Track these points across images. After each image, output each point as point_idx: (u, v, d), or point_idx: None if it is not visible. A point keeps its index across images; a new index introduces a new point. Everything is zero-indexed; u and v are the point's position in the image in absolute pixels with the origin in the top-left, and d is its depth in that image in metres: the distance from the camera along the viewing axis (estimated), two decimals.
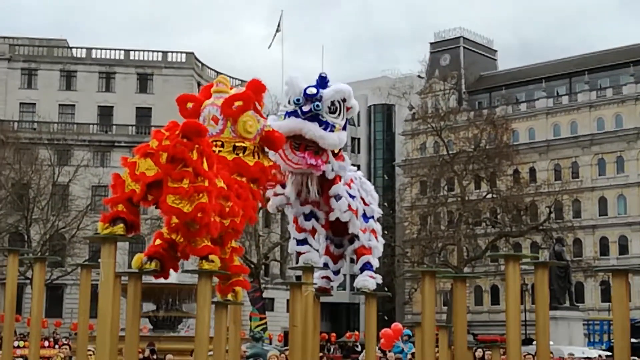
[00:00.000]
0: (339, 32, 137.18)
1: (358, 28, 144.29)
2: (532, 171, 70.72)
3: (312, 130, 9.68)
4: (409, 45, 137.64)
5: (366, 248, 10.82)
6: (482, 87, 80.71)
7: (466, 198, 57.31)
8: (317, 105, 9.70)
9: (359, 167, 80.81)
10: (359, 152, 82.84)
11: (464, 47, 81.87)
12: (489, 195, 58.32)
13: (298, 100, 9.77)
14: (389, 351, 23.12)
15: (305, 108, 9.67)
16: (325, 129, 9.73)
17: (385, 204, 73.62)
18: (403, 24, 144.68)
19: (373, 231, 11.20)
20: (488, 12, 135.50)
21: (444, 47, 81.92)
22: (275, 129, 9.58)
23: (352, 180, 10.99)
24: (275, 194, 10.21)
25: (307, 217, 10.29)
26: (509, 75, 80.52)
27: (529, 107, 75.11)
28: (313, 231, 10.33)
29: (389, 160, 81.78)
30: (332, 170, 10.18)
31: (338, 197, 10.40)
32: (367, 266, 10.84)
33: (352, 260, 11.55)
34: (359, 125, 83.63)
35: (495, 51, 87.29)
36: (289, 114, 9.85)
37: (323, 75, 10.24)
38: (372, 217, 11.16)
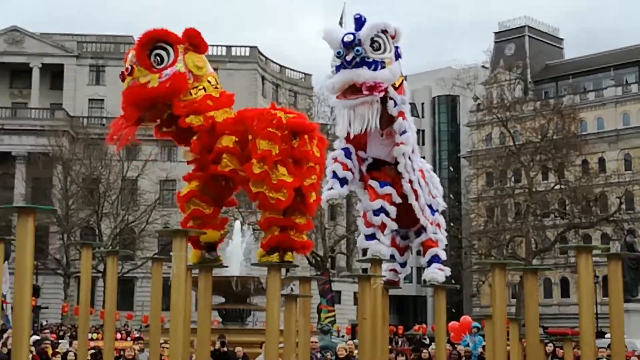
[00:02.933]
0: (399, 23, 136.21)
1: (418, 18, 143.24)
2: (602, 161, 69.36)
3: (362, 75, 9.59)
4: (470, 35, 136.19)
5: (433, 241, 10.73)
6: (548, 76, 79.39)
7: (534, 189, 56.56)
8: (358, 50, 9.62)
9: (424, 159, 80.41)
10: (423, 144, 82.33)
11: (529, 36, 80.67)
12: (557, 186, 57.44)
13: (339, 52, 9.71)
14: (458, 344, 22.97)
15: (349, 57, 9.60)
16: (375, 69, 9.63)
17: (451, 195, 73.06)
18: (463, 14, 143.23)
19: (438, 225, 11.12)
20: (553, 1, 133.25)
21: (508, 36, 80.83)
22: (329, 87, 9.58)
23: (421, 171, 10.90)
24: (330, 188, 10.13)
25: (376, 212, 10.21)
26: (575, 64, 79.06)
27: (597, 96, 73.63)
28: (382, 226, 10.24)
29: (454, 152, 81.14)
30: (395, 105, 10.03)
31: (403, 132, 10.25)
32: (435, 259, 10.76)
33: (418, 253, 11.47)
34: (423, 116, 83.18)
35: (562, 40, 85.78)
36: (337, 69, 9.82)
37: (357, 16, 10.14)
38: (437, 210, 11.08)
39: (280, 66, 78.33)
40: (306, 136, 8.79)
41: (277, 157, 8.49)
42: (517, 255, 56.58)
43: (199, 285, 9.13)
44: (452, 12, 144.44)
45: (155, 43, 8.66)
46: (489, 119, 65.23)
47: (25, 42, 70.10)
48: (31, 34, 71.31)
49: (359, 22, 9.82)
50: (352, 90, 9.57)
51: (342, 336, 33.98)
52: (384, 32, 9.73)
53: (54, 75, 70.93)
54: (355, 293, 51.26)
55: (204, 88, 8.74)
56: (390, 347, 20.61)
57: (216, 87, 8.88)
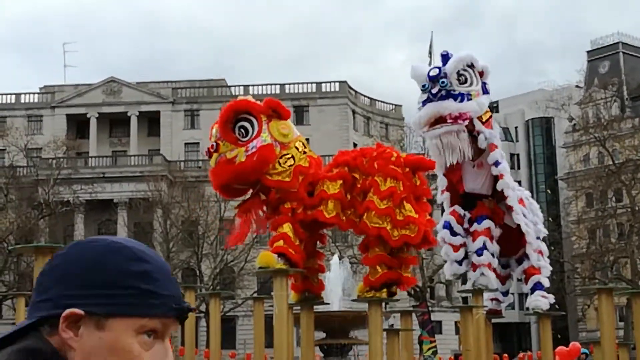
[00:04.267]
0: (484, 50, 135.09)
1: (502, 44, 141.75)
2: None
3: (447, 107, 9.60)
4: (561, 56, 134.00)
5: (535, 268, 10.63)
6: None
7: (636, 208, 54.93)
8: (443, 82, 9.62)
9: (520, 183, 79.07)
10: (519, 168, 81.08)
11: (624, 53, 78.79)
12: None
13: (424, 86, 9.73)
14: None
15: (434, 90, 9.63)
16: (462, 101, 9.58)
17: (550, 219, 71.48)
18: (547, 36, 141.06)
19: (540, 251, 10.98)
20: None
21: (602, 54, 79.14)
22: (416, 121, 9.63)
23: (521, 200, 10.84)
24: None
25: (479, 251, 10.21)
26: None
27: None
28: (489, 265, 10.22)
29: (551, 174, 79.53)
30: (485, 138, 9.99)
31: (497, 163, 10.17)
32: (538, 286, 10.63)
33: (519, 280, 11.35)
34: (517, 140, 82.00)
35: None
36: (423, 103, 9.82)
37: (444, 53, 10.13)
38: (539, 237, 10.97)
39: (370, 99, 78.61)
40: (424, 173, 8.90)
41: (403, 195, 8.53)
42: (622, 277, 54.90)
43: (301, 322, 9.23)
44: (543, 33, 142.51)
45: (238, 115, 8.72)
46: (586, 139, 63.85)
47: (122, 92, 72.46)
48: (127, 83, 73.65)
49: (446, 58, 9.86)
50: (438, 122, 9.60)
51: None
52: (471, 66, 9.72)
53: (151, 122, 72.99)
54: (456, 322, 50.63)
55: (292, 157, 8.74)
56: None
57: (304, 152, 8.88)
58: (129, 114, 72.01)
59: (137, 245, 1.71)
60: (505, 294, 11.31)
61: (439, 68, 9.90)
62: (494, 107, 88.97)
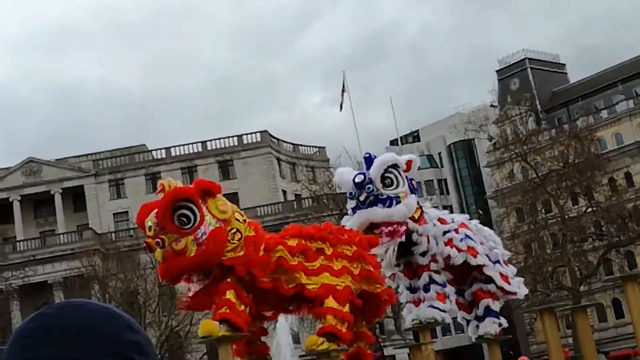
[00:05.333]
0: (396, 82, 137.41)
1: (413, 74, 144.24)
2: (628, 176, 68.76)
3: (377, 214, 9.71)
4: (465, 80, 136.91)
5: (484, 291, 10.73)
6: (557, 103, 79.45)
7: (566, 216, 56.10)
8: (369, 188, 9.72)
9: (450, 207, 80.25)
10: (447, 193, 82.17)
11: (531, 68, 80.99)
12: (589, 209, 56.95)
13: (351, 194, 9.87)
14: None
15: (362, 197, 9.74)
16: (390, 205, 9.70)
17: None
18: (454, 61, 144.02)
19: (502, 275, 11.11)
20: (545, 28, 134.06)
21: (510, 72, 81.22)
22: (348, 228, 9.70)
23: (463, 224, 10.97)
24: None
25: (426, 286, 10.35)
26: (582, 85, 79.12)
27: (610, 113, 73.43)
28: (440, 296, 10.35)
29: (480, 195, 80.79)
30: (420, 234, 10.18)
31: (422, 255, 10.41)
32: (488, 311, 10.73)
33: (469, 302, 11.45)
34: (442, 166, 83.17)
35: (563, 65, 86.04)
36: (353, 210, 9.94)
37: (366, 155, 10.28)
38: (498, 261, 11.10)
39: (293, 144, 78.89)
40: None
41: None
42: (563, 286, 55.89)
43: None
44: (450, 59, 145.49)
45: (175, 204, 8.58)
46: (508, 156, 65.17)
47: (43, 171, 71.27)
48: (47, 162, 72.54)
49: (369, 160, 10.00)
50: (371, 228, 9.75)
51: None
52: (395, 167, 9.84)
53: (75, 197, 71.82)
54: (409, 355, 50.58)
55: (237, 230, 8.69)
56: None
57: (244, 220, 8.85)
58: (52, 192, 70.78)
59: (127, 315, 1.66)
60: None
61: (364, 174, 10.04)
62: (415, 136, 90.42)
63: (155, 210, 8.79)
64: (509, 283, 11.10)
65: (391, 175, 9.99)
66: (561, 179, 56.61)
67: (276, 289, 8.70)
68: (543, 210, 61.27)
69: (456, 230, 11.10)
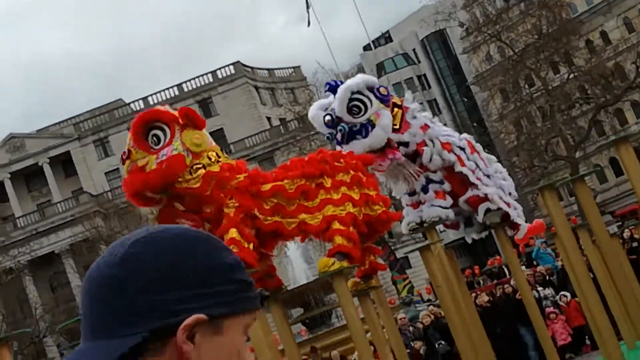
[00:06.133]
0: (365, 76, 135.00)
1: None
2: (604, 34, 68.47)
3: (357, 147, 9.63)
4: None
5: (480, 196, 10.74)
6: None
7: (550, 87, 56.04)
8: (342, 128, 9.61)
9: (435, 101, 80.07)
10: (429, 87, 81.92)
11: None
12: (571, 75, 56.88)
13: (329, 136, 9.82)
14: (529, 246, 23.12)
15: (338, 136, 9.65)
16: (367, 134, 9.60)
17: (475, 124, 72.68)
18: None
19: (501, 188, 11.14)
20: None
21: None
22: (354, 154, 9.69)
23: (469, 143, 10.95)
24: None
25: (424, 188, 10.38)
26: None
27: None
28: (439, 194, 10.38)
29: (462, 83, 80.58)
30: (407, 145, 10.12)
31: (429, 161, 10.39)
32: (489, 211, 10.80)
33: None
34: (419, 61, 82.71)
35: None
36: (338, 144, 9.92)
37: (330, 83, 10.12)
38: (489, 174, 11.08)
39: (268, 70, 78.25)
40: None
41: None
42: (559, 156, 56.24)
43: (274, 317, 9.20)
44: None
45: (152, 124, 8.58)
46: (482, 39, 64.74)
47: (26, 145, 70.80)
48: (28, 134, 72.02)
49: (334, 89, 9.81)
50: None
51: (428, 300, 33.93)
52: (357, 92, 9.65)
53: (64, 164, 71.56)
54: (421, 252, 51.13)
55: (203, 165, 8.63)
56: (472, 291, 20.72)
57: (218, 161, 8.73)
58: (39, 164, 70.47)
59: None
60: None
61: (331, 114, 9.83)
62: (387, 38, 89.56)
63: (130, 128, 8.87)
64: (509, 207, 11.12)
65: (356, 102, 9.82)
66: (538, 51, 56.31)
67: (278, 229, 8.73)
68: (526, 86, 61.18)
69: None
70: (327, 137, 9.86)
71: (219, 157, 8.98)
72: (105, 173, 71.18)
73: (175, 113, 9.01)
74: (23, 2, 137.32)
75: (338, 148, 10.03)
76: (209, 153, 8.89)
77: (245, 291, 1.44)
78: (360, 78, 10.30)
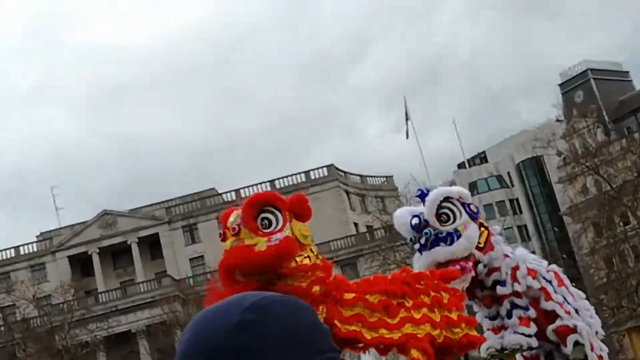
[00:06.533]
0: (456, 103, 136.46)
1: (471, 94, 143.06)
2: None
3: (440, 254, 9.63)
4: (524, 96, 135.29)
5: (569, 327, 10.58)
6: (625, 111, 78.04)
7: None
8: (427, 233, 9.65)
9: (525, 227, 79.08)
10: (521, 212, 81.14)
11: (594, 78, 79.86)
12: None
13: (412, 239, 9.86)
14: None
15: (422, 240, 9.69)
16: (452, 242, 9.62)
17: (564, 256, 71.28)
18: (512, 77, 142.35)
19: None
20: (605, 38, 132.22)
21: (574, 84, 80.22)
22: (418, 270, 9.68)
23: (556, 275, 10.90)
24: None
25: (508, 313, 10.31)
26: None
27: None
28: (523, 320, 10.31)
29: (554, 212, 79.55)
30: (484, 266, 10.10)
31: (502, 284, 10.29)
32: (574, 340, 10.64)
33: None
34: (512, 185, 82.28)
35: (627, 72, 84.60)
36: (419, 251, 9.96)
37: (418, 193, 10.21)
38: (577, 310, 10.95)
39: (361, 176, 78.98)
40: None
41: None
42: None
43: None
44: (507, 76, 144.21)
45: (263, 207, 8.64)
46: (579, 170, 64.14)
47: (118, 223, 72.73)
48: (121, 213, 74.04)
49: (423, 196, 9.97)
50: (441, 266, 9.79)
51: None
52: (448, 199, 9.77)
53: (151, 246, 73.03)
54: None
55: (308, 257, 8.65)
56: None
57: (317, 257, 8.83)
58: (128, 242, 72.14)
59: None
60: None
61: (419, 216, 9.94)
62: (482, 158, 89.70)
63: (241, 206, 8.85)
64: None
65: (446, 210, 9.87)
66: (637, 188, 55.46)
67: (356, 338, 8.71)
68: (621, 223, 60.05)
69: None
70: (410, 240, 9.90)
71: (317, 253, 9.03)
72: (190, 259, 72.25)
73: (287, 201, 9.08)
74: (128, 78, 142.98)
75: (417, 254, 10.07)
76: (312, 247, 8.98)
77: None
78: (454, 188, 10.41)
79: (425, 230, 9.74)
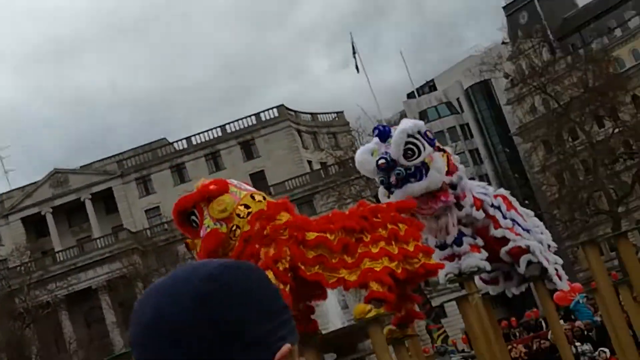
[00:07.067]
0: (402, 34, 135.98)
1: (417, 23, 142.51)
2: None
3: (414, 189, 9.56)
4: (469, 22, 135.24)
5: (522, 247, 10.60)
6: (569, 29, 78.31)
7: (594, 141, 55.61)
8: (399, 172, 9.55)
9: (477, 151, 79.72)
10: (472, 137, 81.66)
11: None
12: (616, 130, 56.40)
13: (382, 180, 9.74)
14: (567, 306, 22.64)
15: (392, 180, 9.58)
16: (421, 177, 9.54)
17: (516, 175, 72.18)
18: (455, 4, 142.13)
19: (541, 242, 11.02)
20: None
21: (518, 5, 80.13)
22: (393, 203, 9.57)
23: (505, 199, 10.88)
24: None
25: (456, 240, 10.23)
26: (591, 8, 77.87)
27: (624, 31, 72.31)
28: (473, 248, 10.26)
29: (504, 133, 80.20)
30: (455, 187, 10.05)
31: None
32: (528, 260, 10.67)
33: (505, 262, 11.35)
34: (462, 111, 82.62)
35: None
36: (389, 190, 9.84)
37: (379, 128, 10.08)
38: (528, 229, 10.97)
39: (311, 114, 78.64)
40: None
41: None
42: (600, 210, 55.54)
43: None
44: (450, 4, 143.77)
45: (185, 212, 9.04)
46: (527, 90, 64.57)
47: (70, 181, 71.73)
48: (72, 170, 73.00)
49: (383, 134, 9.77)
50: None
51: (463, 350, 33.49)
52: (410, 136, 9.65)
53: (106, 200, 72.26)
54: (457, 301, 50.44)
55: (237, 226, 8.83)
56: (509, 343, 20.38)
57: (248, 213, 8.88)
58: (82, 199, 71.27)
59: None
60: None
61: (385, 158, 9.78)
62: (431, 86, 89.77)
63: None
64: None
65: (410, 146, 9.78)
66: (584, 104, 56.00)
67: (319, 281, 8.81)
68: (570, 139, 60.75)
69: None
70: (381, 182, 9.77)
71: (249, 207, 9.06)
72: (146, 210, 71.74)
73: (195, 193, 9.32)
74: (69, 36, 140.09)
75: (390, 189, 9.94)
76: (238, 209, 9.04)
77: (292, 321, 1.43)
78: (412, 122, 10.29)
79: (397, 170, 9.66)
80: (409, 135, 9.77)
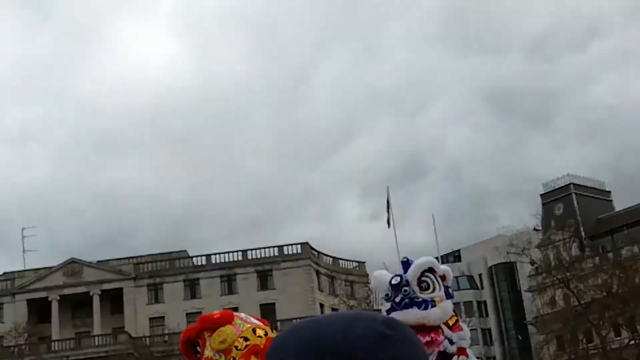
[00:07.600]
0: (435, 200, 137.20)
1: (452, 193, 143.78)
2: None
3: (412, 315, 9.57)
4: (504, 202, 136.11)
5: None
6: (602, 230, 78.47)
7: (608, 348, 54.74)
8: (406, 291, 9.61)
9: (489, 331, 78.83)
10: (487, 315, 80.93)
11: (576, 194, 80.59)
12: (632, 342, 55.55)
13: (387, 295, 9.79)
14: None
15: (397, 299, 9.63)
16: (426, 308, 9.60)
17: None
18: (494, 182, 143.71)
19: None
20: (592, 156, 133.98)
21: (555, 196, 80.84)
22: None
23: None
24: None
25: None
26: (627, 214, 78.24)
27: None
28: None
29: (520, 320, 79.40)
30: (452, 343, 10.01)
31: None
32: None
33: None
34: (482, 287, 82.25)
35: (609, 192, 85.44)
36: (387, 312, 9.86)
37: (404, 260, 10.23)
38: None
39: (333, 258, 78.73)
40: None
41: None
42: None
43: None
44: (489, 179, 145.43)
45: (189, 342, 9.05)
46: (550, 282, 64.22)
47: (83, 272, 71.85)
48: (88, 263, 73.19)
49: (406, 265, 9.97)
50: None
51: None
52: (431, 271, 9.80)
53: (113, 300, 72.06)
54: None
55: (233, 359, 8.80)
56: None
57: (246, 346, 8.85)
58: (91, 294, 71.15)
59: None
60: None
61: (401, 276, 9.96)
62: (456, 256, 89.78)
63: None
64: None
65: (428, 280, 9.85)
66: (604, 308, 55.50)
67: None
68: (584, 340, 59.89)
69: None
70: (385, 296, 9.79)
71: (248, 340, 9.04)
72: (150, 318, 71.27)
73: (197, 325, 9.35)
74: (114, 131, 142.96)
75: (387, 310, 9.94)
76: (237, 342, 9.02)
77: None
78: (441, 265, 10.38)
79: (405, 289, 9.68)
80: (430, 270, 9.88)
